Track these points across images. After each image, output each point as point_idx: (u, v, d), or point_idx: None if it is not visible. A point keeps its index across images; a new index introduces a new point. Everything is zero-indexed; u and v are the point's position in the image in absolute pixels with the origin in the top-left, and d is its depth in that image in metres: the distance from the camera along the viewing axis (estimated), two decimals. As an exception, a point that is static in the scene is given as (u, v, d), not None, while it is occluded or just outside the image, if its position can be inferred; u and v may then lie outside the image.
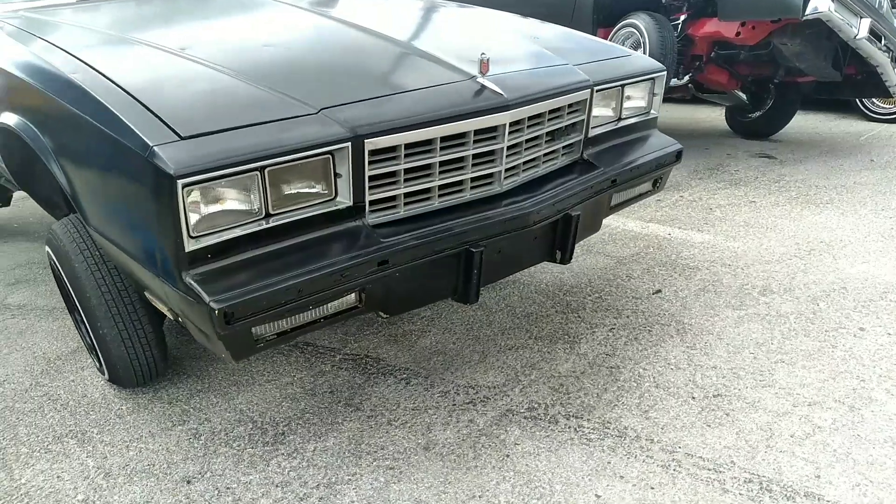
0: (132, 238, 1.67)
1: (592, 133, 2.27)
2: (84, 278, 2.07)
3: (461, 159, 1.87)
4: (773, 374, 2.17)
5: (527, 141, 2.03)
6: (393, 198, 1.79)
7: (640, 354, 2.34)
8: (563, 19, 4.82)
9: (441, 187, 1.87)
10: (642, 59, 2.44)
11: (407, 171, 1.78)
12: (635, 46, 4.33)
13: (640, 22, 4.23)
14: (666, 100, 6.88)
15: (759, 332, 2.44)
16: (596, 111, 2.27)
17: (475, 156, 1.89)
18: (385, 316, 1.85)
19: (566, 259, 2.14)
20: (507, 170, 1.99)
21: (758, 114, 5.31)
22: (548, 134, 2.10)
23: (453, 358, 2.39)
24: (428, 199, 1.86)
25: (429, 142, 1.79)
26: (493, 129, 1.89)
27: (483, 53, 1.90)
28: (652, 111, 2.50)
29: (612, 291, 2.83)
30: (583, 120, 2.20)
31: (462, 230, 1.82)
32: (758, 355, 2.29)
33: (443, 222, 1.83)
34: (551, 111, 2.06)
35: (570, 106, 2.13)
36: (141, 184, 1.53)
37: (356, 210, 1.72)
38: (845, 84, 4.86)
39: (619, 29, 4.44)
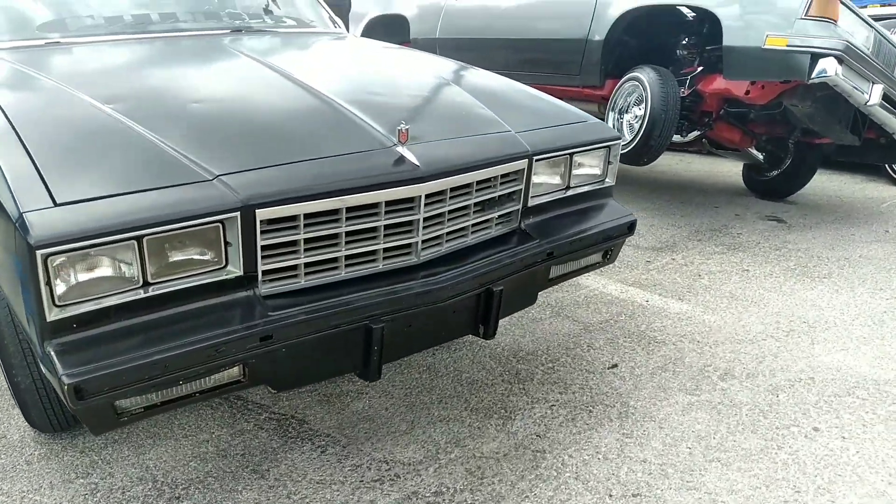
0: (14, 298, 1.64)
1: (533, 202, 2.18)
2: (3, 325, 2.06)
3: (373, 229, 1.81)
4: (703, 475, 2.02)
5: (452, 211, 1.95)
6: (294, 267, 1.73)
7: (571, 438, 2.21)
8: (572, 69, 4.76)
9: (350, 257, 1.80)
10: (596, 127, 2.34)
11: (310, 240, 1.72)
12: (639, 101, 4.21)
13: (644, 76, 4.11)
14: (685, 152, 6.71)
15: (706, 423, 2.28)
16: (540, 179, 2.19)
17: (391, 226, 1.83)
18: (273, 391, 1.78)
19: (489, 334, 2.05)
20: (426, 240, 1.91)
21: (775, 173, 5.10)
22: (478, 204, 2.02)
23: (380, 427, 2.30)
24: (334, 268, 1.79)
25: (334, 211, 1.72)
26: (409, 199, 1.82)
27: (403, 122, 1.84)
28: (607, 180, 2.40)
29: (567, 362, 2.71)
30: (520, 190, 2.11)
31: (361, 305, 1.75)
32: (694, 451, 2.13)
33: (347, 294, 1.76)
34: (480, 181, 1.98)
35: (503, 176, 2.04)
36: (13, 247, 1.51)
37: (248, 280, 1.66)
38: (867, 148, 4.64)
39: (624, 82, 4.33)
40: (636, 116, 4.20)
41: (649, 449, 2.15)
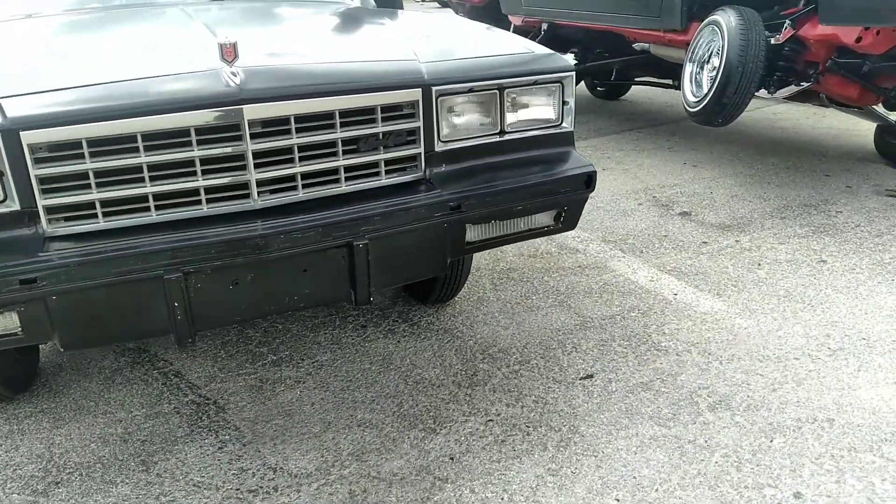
0: None
1: (446, 147, 1.84)
2: None
3: (189, 163, 1.56)
4: (614, 541, 1.64)
5: (307, 147, 1.66)
6: (90, 204, 1.54)
7: (486, 467, 1.89)
8: (651, 9, 4.13)
9: (164, 196, 1.57)
10: (540, 57, 1.93)
11: (103, 172, 1.51)
12: (719, 50, 3.54)
13: (723, 19, 3.44)
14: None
15: (657, 467, 1.86)
16: (461, 119, 1.86)
17: (212, 160, 1.57)
18: (62, 349, 1.61)
19: (361, 299, 1.76)
20: (270, 181, 1.64)
21: (912, 136, 4.19)
22: (352, 141, 1.71)
23: (294, 425, 2.11)
24: (143, 209, 1.57)
25: (129, 139, 1.50)
26: (232, 127, 1.56)
27: (227, 37, 1.57)
28: (563, 124, 1.97)
29: (537, 366, 2.35)
30: (417, 128, 1.77)
31: (149, 250, 1.52)
32: (621, 505, 1.74)
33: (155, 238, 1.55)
34: (347, 112, 1.67)
35: (386, 108, 1.72)
36: None
37: (30, 217, 1.51)
38: None
39: (704, 27, 3.66)
40: (714, 68, 3.55)
41: (567, 494, 1.78)
